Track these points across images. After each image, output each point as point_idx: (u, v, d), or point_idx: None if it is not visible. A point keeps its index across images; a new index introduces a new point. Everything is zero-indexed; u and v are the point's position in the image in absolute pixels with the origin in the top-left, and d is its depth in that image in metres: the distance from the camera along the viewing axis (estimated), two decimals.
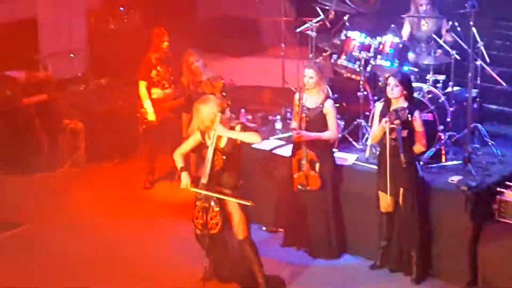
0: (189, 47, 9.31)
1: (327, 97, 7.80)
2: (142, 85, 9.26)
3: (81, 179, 9.72)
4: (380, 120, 7.40)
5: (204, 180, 7.02)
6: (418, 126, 7.34)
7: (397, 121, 7.13)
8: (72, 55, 11.14)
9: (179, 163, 7.21)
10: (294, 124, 7.89)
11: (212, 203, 7.01)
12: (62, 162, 9.83)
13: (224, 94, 7.25)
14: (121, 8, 10.94)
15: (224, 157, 7.00)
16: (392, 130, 7.20)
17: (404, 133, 7.21)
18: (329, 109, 7.73)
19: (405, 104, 7.31)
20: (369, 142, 8.10)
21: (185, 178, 7.12)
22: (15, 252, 8.04)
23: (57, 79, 10.34)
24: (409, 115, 7.24)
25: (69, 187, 9.51)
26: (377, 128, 7.43)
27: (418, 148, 7.41)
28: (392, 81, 7.34)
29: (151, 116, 9.21)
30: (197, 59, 9.05)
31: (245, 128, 7.16)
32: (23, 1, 10.77)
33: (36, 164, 9.70)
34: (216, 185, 7.06)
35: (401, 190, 7.37)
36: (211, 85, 8.70)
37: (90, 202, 9.20)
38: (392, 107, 7.32)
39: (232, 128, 7.07)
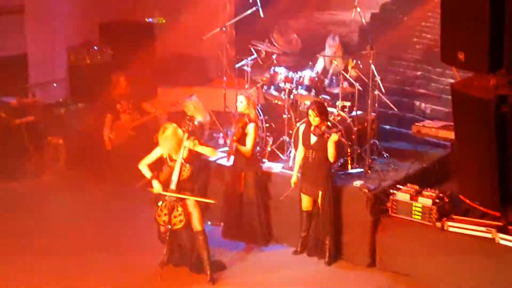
0: (150, 79, 9.26)
1: (250, 121, 7.77)
2: (108, 117, 9.44)
3: (61, 184, 9.54)
4: (303, 138, 7.46)
5: (172, 186, 6.98)
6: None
7: (334, 130, 7.33)
8: (55, 84, 10.95)
9: (147, 173, 7.11)
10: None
11: (177, 205, 6.98)
12: (46, 171, 9.65)
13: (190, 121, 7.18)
14: (95, 47, 10.87)
15: (188, 165, 6.96)
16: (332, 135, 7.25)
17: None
18: (249, 130, 7.72)
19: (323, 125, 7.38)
20: (292, 154, 8.13)
21: (157, 184, 7.03)
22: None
23: (43, 104, 10.16)
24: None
25: (51, 190, 9.32)
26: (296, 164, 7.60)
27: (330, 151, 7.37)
28: (311, 113, 7.41)
29: (107, 144, 9.37)
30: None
31: (199, 143, 7.12)
32: (16, 40, 10.55)
33: (25, 172, 9.51)
34: (180, 189, 7.01)
35: (320, 192, 7.43)
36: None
37: (66, 203, 8.99)
38: (312, 127, 7.38)
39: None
